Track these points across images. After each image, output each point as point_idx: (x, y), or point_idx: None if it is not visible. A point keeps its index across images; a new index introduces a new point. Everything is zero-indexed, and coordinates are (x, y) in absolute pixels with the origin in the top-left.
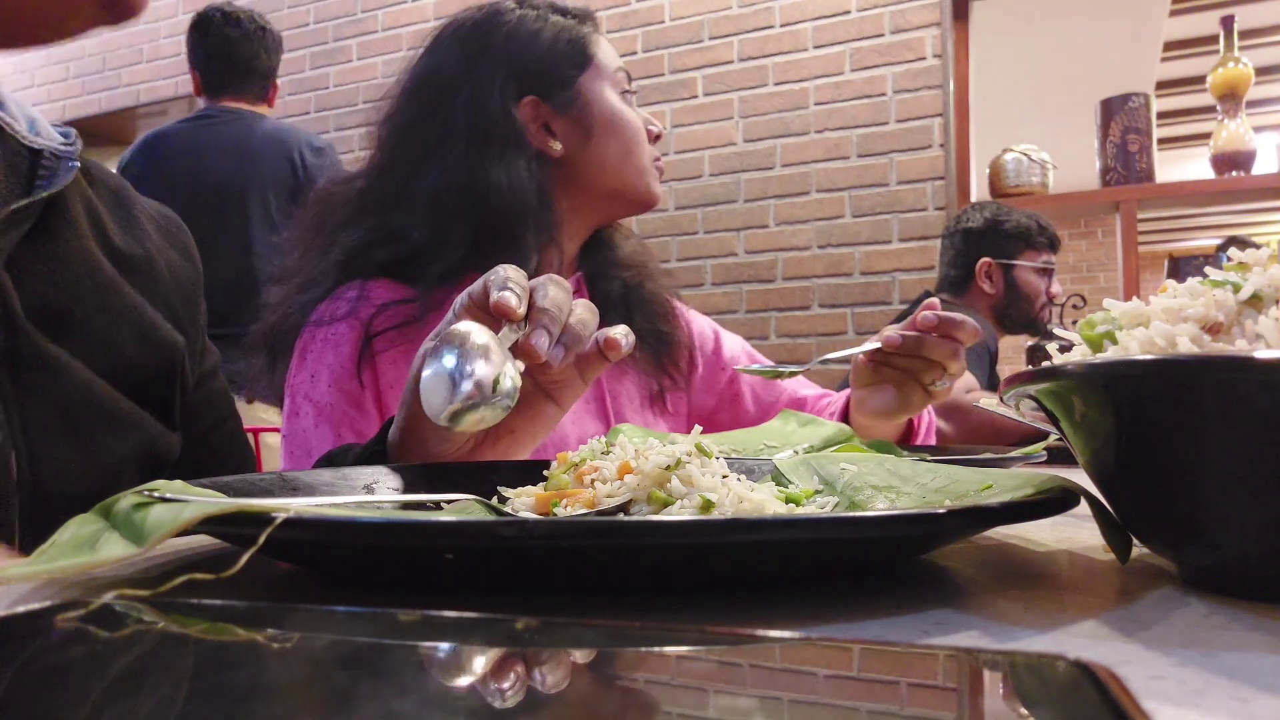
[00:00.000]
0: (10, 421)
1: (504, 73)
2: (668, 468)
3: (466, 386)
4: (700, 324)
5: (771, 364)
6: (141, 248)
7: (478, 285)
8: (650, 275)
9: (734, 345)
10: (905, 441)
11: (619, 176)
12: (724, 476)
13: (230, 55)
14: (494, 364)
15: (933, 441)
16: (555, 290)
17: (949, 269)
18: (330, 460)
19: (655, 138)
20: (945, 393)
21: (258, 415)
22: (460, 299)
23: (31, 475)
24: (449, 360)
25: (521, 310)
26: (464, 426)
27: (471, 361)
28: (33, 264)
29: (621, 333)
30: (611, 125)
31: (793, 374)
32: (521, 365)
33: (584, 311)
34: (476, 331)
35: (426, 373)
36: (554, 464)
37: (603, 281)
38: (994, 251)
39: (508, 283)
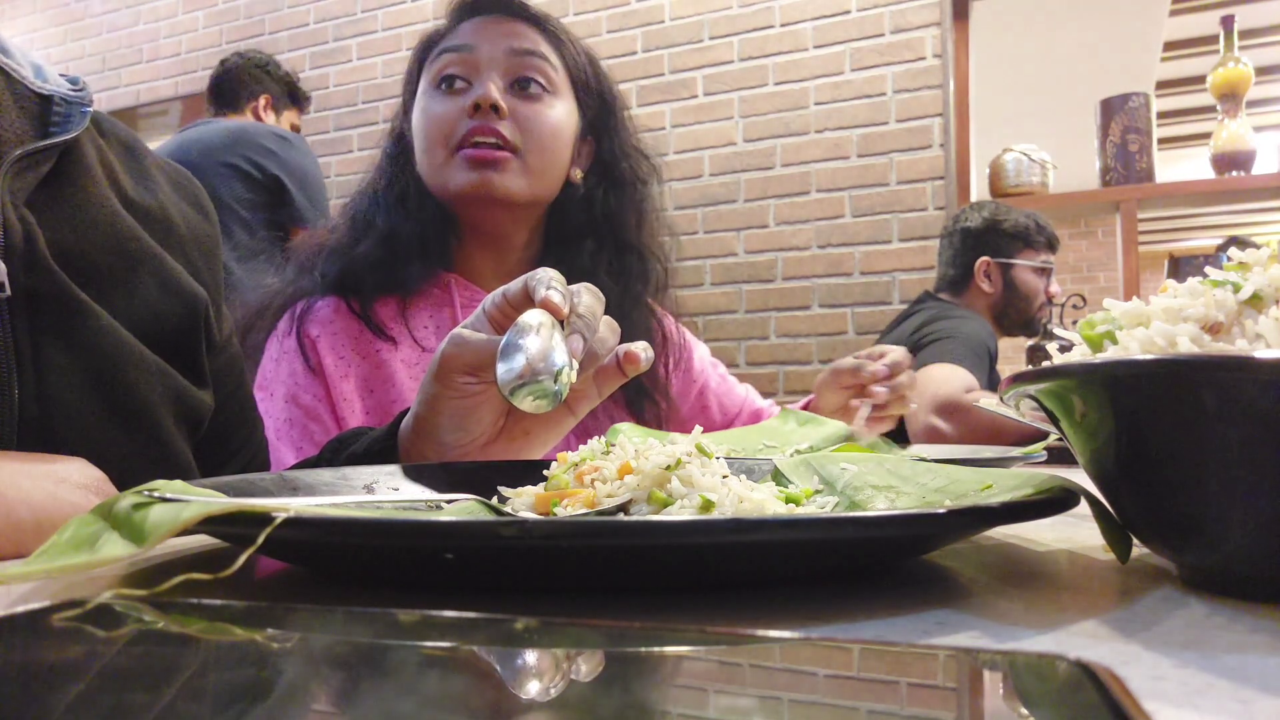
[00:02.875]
0: (21, 362)
1: (409, 86)
2: (668, 468)
3: (537, 366)
4: (676, 334)
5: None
6: (155, 200)
7: (515, 285)
8: (630, 288)
9: (703, 355)
10: None
11: (427, 180)
12: (724, 476)
13: (216, 86)
14: (560, 354)
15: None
16: (589, 298)
17: (948, 268)
18: (341, 444)
19: (474, 108)
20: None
21: None
22: (492, 297)
23: (41, 417)
24: (527, 341)
25: (566, 309)
26: (524, 405)
27: (543, 346)
28: (51, 209)
29: (641, 348)
30: (415, 131)
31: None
32: (575, 362)
33: (605, 327)
34: (548, 323)
35: (502, 347)
36: (554, 464)
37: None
38: (993, 251)
39: (552, 282)
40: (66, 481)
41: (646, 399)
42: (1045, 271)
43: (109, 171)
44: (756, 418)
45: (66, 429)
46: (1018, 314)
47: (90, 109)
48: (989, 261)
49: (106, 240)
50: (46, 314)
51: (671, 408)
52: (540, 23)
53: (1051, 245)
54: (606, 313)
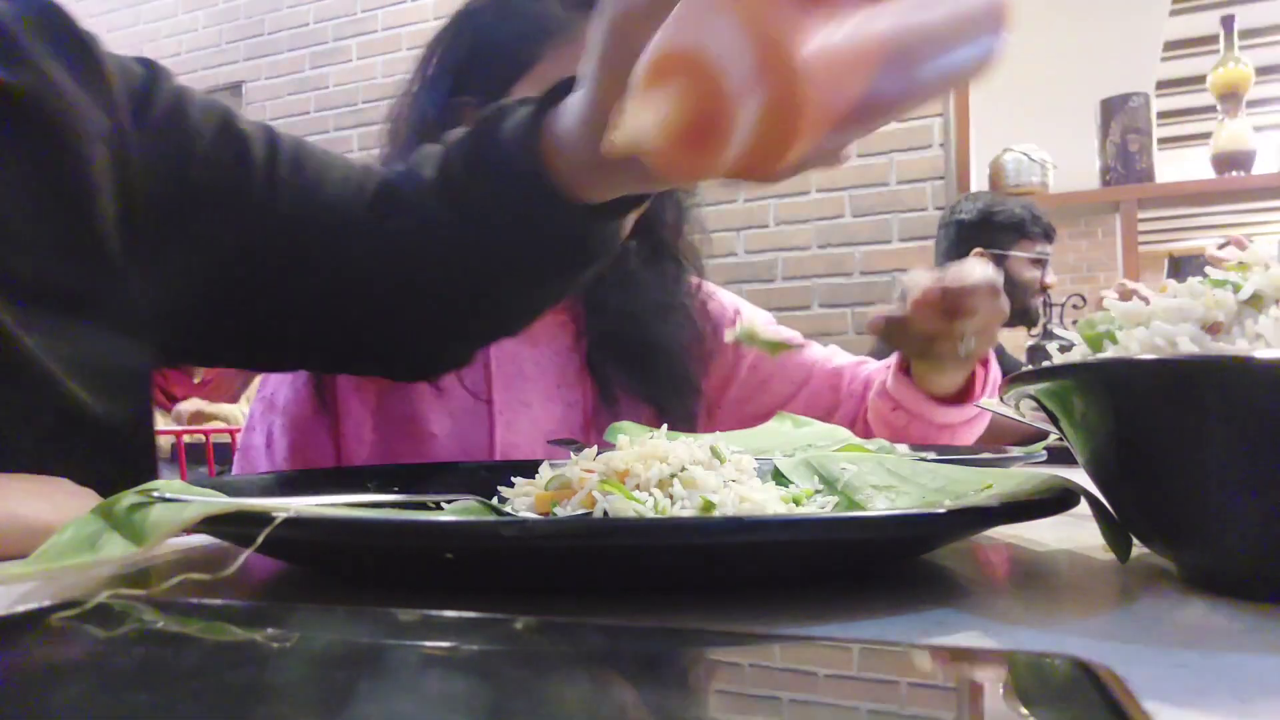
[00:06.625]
0: None
1: (451, 66)
2: (671, 476)
3: None
4: (719, 308)
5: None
6: (32, 76)
7: None
8: (664, 312)
9: (761, 320)
10: (965, 399)
11: None
12: (731, 481)
13: None
14: None
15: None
16: None
17: (943, 260)
18: (485, 120)
19: None
20: (975, 354)
21: None
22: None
23: None
24: None
25: None
26: None
27: None
28: None
29: None
30: None
31: (794, 347)
32: None
33: None
34: None
35: None
36: (544, 464)
37: (599, 320)
38: (987, 242)
39: None
40: (59, 492)
41: (675, 398)
42: (1041, 262)
43: None
44: (836, 380)
45: None
46: (1014, 305)
47: None
48: (983, 253)
49: None
50: None
51: (708, 401)
52: None
53: (1048, 235)
54: (644, 308)
